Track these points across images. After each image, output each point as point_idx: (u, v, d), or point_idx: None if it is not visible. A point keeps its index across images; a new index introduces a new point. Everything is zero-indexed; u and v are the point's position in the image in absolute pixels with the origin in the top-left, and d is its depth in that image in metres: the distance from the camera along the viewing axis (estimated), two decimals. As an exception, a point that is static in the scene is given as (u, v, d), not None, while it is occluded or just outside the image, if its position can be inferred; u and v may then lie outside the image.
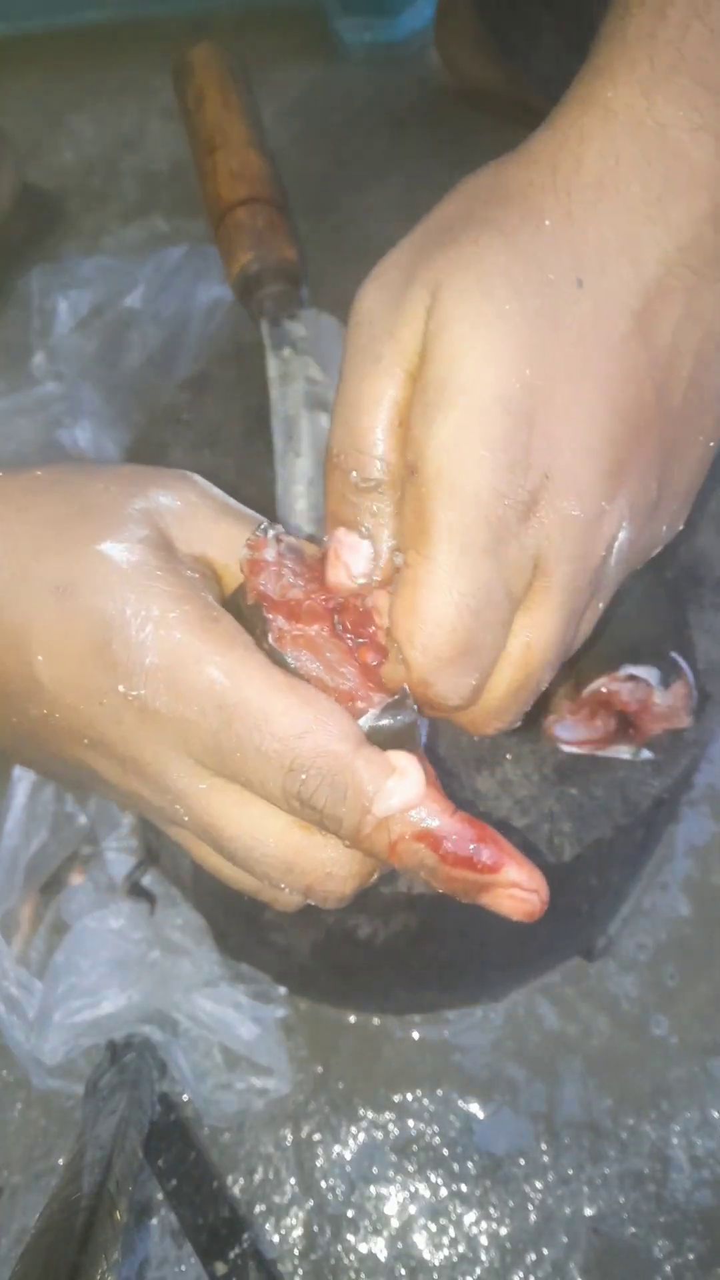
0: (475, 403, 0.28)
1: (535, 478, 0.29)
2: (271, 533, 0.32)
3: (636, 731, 0.49)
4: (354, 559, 0.31)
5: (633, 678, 0.47)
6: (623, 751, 0.50)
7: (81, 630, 0.29)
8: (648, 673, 0.46)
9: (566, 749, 0.51)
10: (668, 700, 0.48)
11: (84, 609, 0.29)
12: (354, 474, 0.31)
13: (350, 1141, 0.66)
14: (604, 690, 0.47)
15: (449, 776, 0.51)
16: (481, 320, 0.29)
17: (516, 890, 0.32)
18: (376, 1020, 0.69)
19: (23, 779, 0.68)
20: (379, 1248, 0.64)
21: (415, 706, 0.31)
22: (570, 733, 0.50)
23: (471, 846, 0.31)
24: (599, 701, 0.48)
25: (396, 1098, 0.67)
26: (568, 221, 0.30)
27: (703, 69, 0.30)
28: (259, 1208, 0.65)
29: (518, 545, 0.29)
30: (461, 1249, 0.64)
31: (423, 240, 0.33)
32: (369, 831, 0.30)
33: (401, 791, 0.30)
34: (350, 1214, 0.65)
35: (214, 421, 0.65)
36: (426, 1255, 0.64)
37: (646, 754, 0.50)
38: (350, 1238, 0.64)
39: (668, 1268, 0.62)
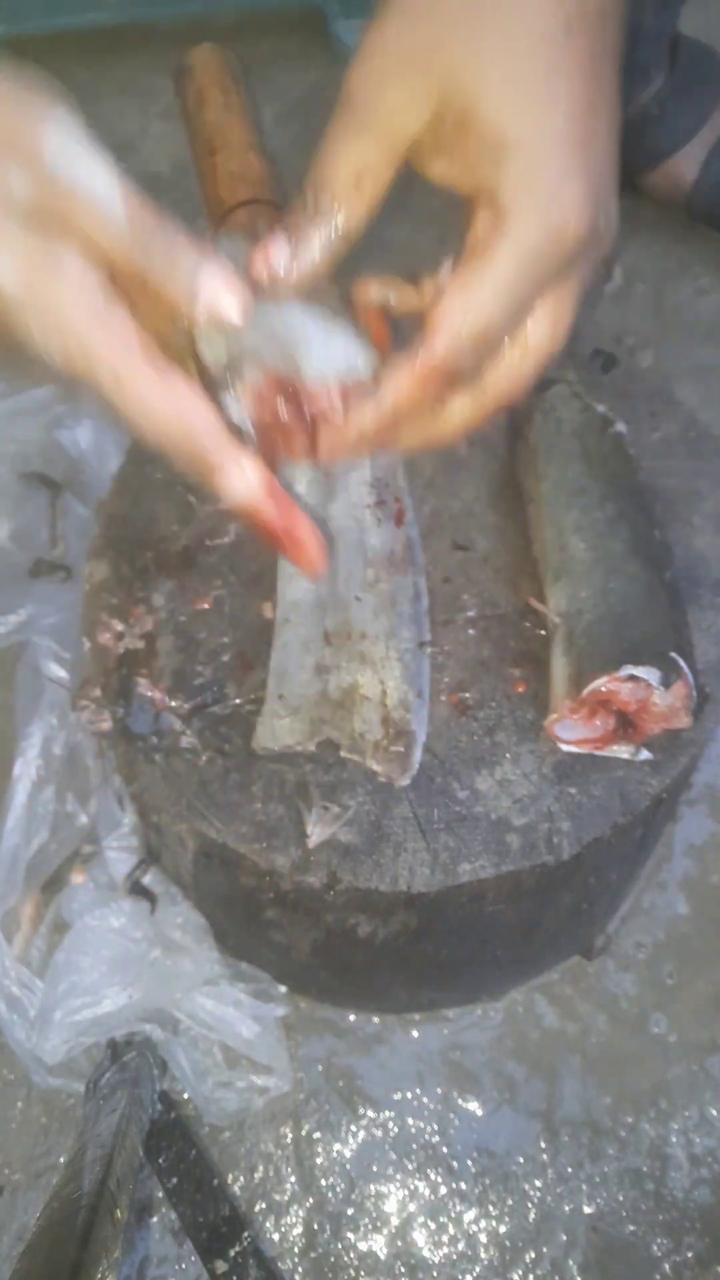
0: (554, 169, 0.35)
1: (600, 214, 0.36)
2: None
3: (636, 731, 0.50)
4: (275, 254, 0.37)
5: (633, 678, 0.47)
6: (622, 751, 0.51)
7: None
8: (648, 673, 0.47)
9: (566, 748, 0.51)
10: (667, 700, 0.48)
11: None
12: (310, 200, 0.37)
13: (350, 1139, 0.66)
14: (604, 690, 0.47)
15: (449, 776, 0.51)
16: (535, 95, 0.34)
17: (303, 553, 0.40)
18: (376, 1019, 0.69)
19: (23, 778, 0.68)
20: (379, 1245, 0.64)
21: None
22: (570, 732, 0.50)
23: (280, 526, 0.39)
24: (599, 701, 0.48)
25: (396, 1096, 0.67)
26: None
27: None
28: (259, 1206, 0.65)
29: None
30: (461, 1247, 0.64)
31: (412, 30, 0.36)
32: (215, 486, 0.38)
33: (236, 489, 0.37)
34: (350, 1212, 0.65)
35: (214, 422, 0.65)
36: (426, 1253, 0.64)
37: (645, 754, 0.51)
38: (350, 1235, 0.64)
39: (666, 1266, 0.63)
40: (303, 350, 0.39)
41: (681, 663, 0.48)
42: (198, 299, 0.35)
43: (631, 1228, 0.64)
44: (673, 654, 0.48)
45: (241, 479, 0.37)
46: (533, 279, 0.36)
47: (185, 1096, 0.67)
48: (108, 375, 0.34)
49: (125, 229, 0.33)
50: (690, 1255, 0.63)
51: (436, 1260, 0.64)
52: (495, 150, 0.35)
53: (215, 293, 0.35)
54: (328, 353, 0.39)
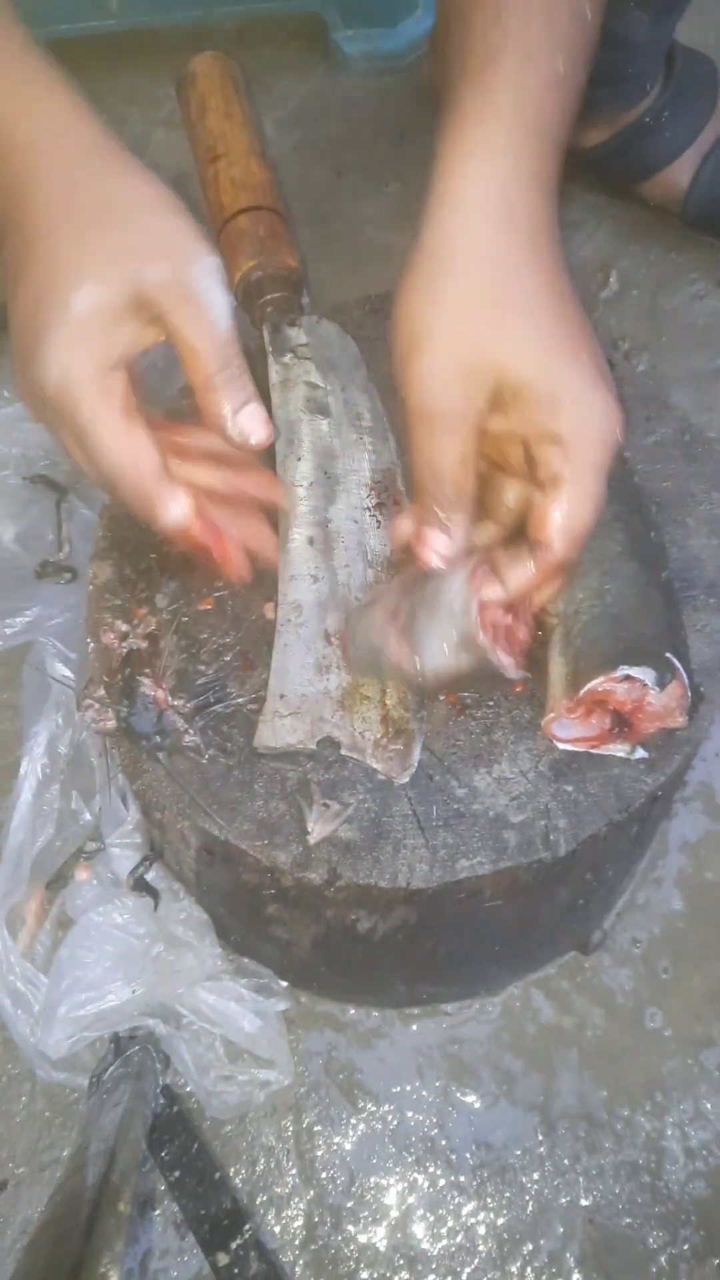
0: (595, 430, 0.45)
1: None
2: None
3: (631, 730, 0.50)
4: (439, 545, 0.48)
5: (629, 678, 0.48)
6: (618, 750, 0.52)
7: (34, 337, 0.43)
8: (644, 673, 0.47)
9: (564, 747, 0.52)
10: (663, 700, 0.49)
11: (42, 325, 0.43)
12: (437, 500, 0.47)
13: (350, 1133, 0.67)
14: (600, 690, 0.48)
15: (447, 774, 0.52)
16: (579, 388, 0.45)
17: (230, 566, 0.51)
18: (376, 1013, 0.70)
19: (29, 776, 0.69)
20: (378, 1238, 0.65)
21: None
22: (567, 731, 0.51)
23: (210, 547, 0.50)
24: (595, 700, 0.49)
25: (395, 1089, 0.68)
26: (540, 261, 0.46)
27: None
28: (260, 1198, 0.66)
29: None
30: (459, 1239, 0.65)
31: (453, 324, 0.45)
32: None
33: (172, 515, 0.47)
34: (350, 1204, 0.66)
35: (216, 426, 0.66)
36: (425, 1245, 0.65)
37: (641, 753, 0.51)
38: (350, 1228, 0.65)
39: (663, 1258, 0.63)
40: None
41: (677, 663, 0.48)
42: (233, 426, 0.47)
43: (628, 1220, 0.64)
44: (668, 654, 0.49)
45: (178, 508, 0.46)
46: (604, 480, 0.46)
47: (187, 1090, 0.67)
48: (86, 412, 0.44)
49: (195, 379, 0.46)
50: (686, 1248, 0.64)
51: (435, 1252, 0.64)
52: (550, 404, 0.44)
53: (247, 425, 0.47)
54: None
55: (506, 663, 0.49)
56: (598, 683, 0.48)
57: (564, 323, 0.45)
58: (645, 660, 0.48)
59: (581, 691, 0.48)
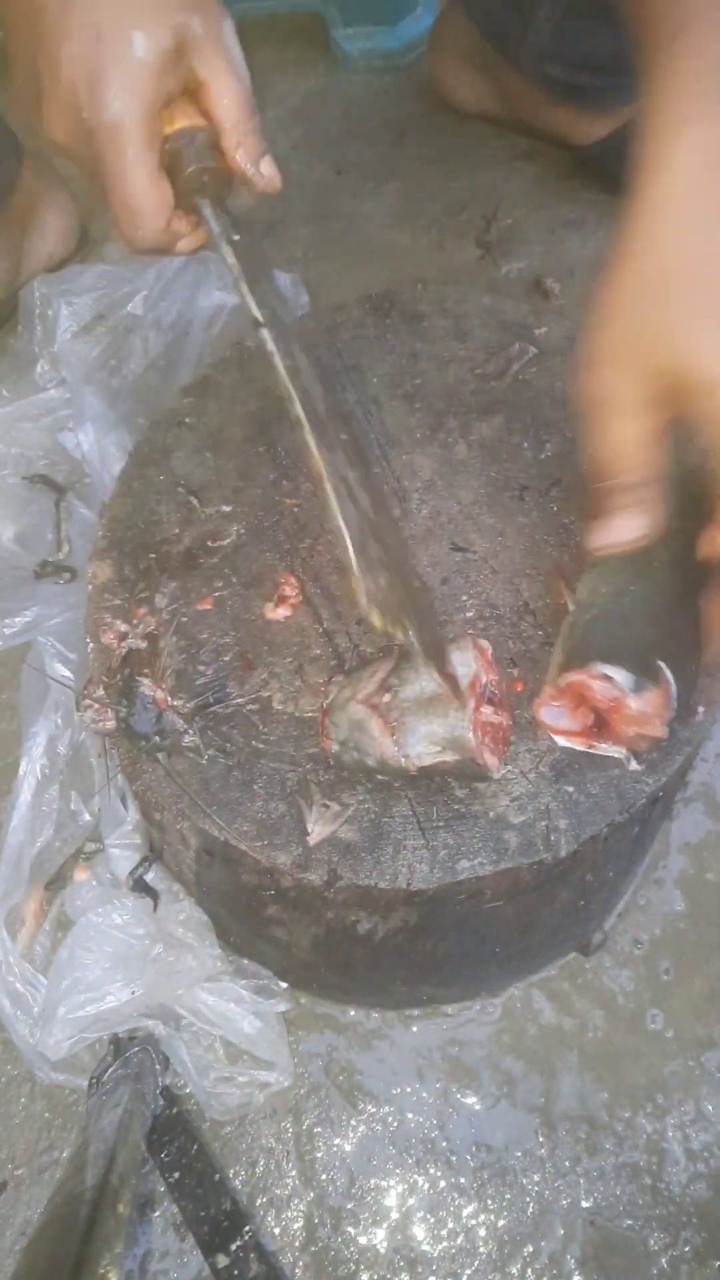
0: None
1: None
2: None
3: (609, 731, 0.50)
4: (629, 529, 0.48)
5: (606, 676, 0.47)
6: (613, 752, 0.51)
7: (90, 71, 0.47)
8: (618, 674, 0.47)
9: (559, 741, 0.51)
10: (639, 706, 0.48)
11: (101, 62, 0.47)
12: (619, 481, 0.47)
13: (350, 1134, 0.67)
14: (580, 683, 0.48)
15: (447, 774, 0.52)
16: None
17: None
18: (376, 1014, 0.70)
19: (28, 777, 0.69)
20: (379, 1239, 0.65)
21: None
22: (554, 719, 0.51)
23: None
24: (576, 693, 0.49)
25: (395, 1091, 0.68)
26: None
27: None
28: (260, 1200, 0.65)
29: None
30: (460, 1241, 0.65)
31: (622, 333, 0.45)
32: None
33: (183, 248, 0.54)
34: (350, 1206, 0.65)
35: (215, 425, 0.66)
36: (425, 1247, 0.64)
37: (635, 765, 0.51)
38: (350, 1230, 0.65)
39: (663, 1260, 0.63)
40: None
41: (668, 674, 0.48)
42: (257, 173, 0.52)
43: (629, 1222, 0.64)
44: (660, 663, 0.48)
45: (189, 243, 0.53)
46: None
47: (187, 1092, 0.67)
48: (132, 153, 0.48)
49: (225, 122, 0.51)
50: (687, 1250, 0.63)
51: (435, 1254, 0.64)
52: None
53: (269, 170, 0.52)
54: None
55: (492, 764, 0.49)
56: (575, 676, 0.48)
57: None
58: (626, 662, 0.47)
59: (561, 681, 0.48)
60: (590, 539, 0.49)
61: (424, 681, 0.48)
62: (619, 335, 0.45)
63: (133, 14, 0.47)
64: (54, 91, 0.48)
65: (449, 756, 0.48)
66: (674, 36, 0.45)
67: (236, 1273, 0.61)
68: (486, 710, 0.49)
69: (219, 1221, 0.63)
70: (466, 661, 0.48)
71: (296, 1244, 0.64)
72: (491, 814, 0.51)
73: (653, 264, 0.44)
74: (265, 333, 0.50)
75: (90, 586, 0.59)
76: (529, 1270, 0.63)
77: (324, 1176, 0.66)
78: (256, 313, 0.50)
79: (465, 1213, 0.65)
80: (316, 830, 0.50)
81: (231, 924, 0.64)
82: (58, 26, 0.47)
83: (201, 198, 0.51)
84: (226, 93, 0.50)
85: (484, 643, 0.51)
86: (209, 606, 0.58)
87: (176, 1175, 0.64)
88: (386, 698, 0.48)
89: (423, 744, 0.47)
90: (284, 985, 0.67)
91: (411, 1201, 0.65)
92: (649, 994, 0.70)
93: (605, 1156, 0.66)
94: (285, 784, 0.52)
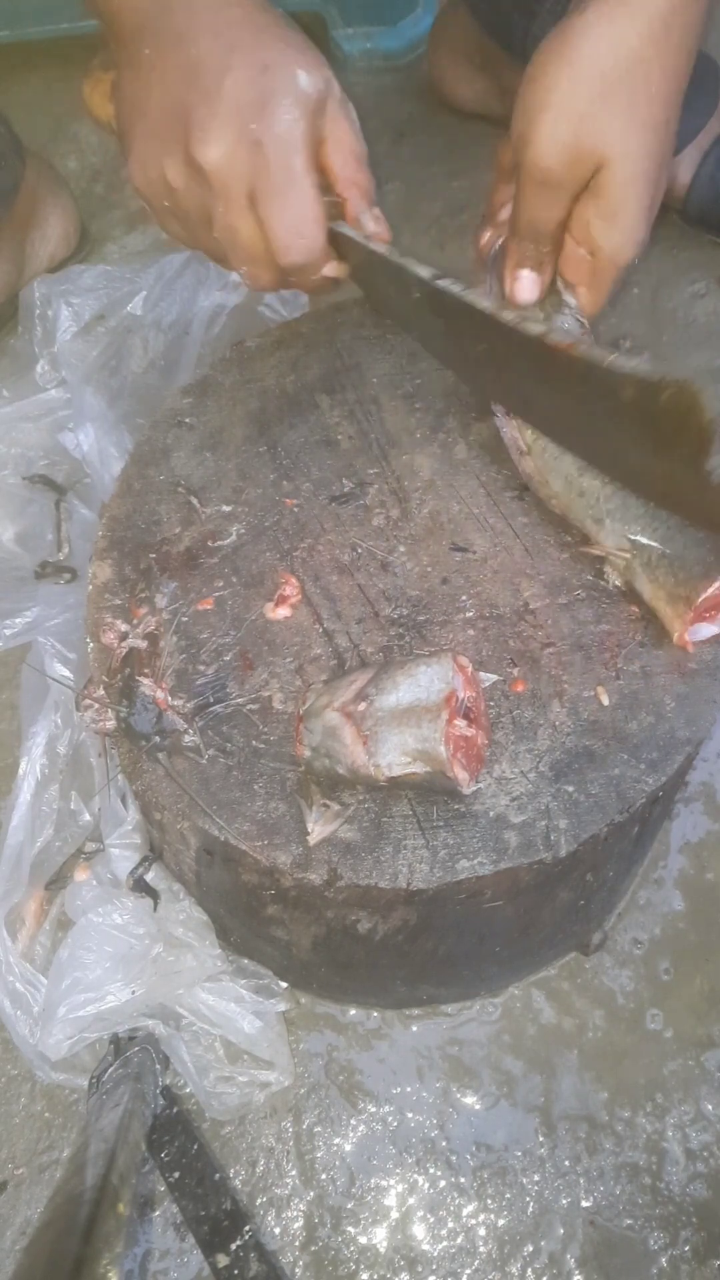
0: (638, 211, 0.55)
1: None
2: None
3: None
4: (527, 284, 0.58)
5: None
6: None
7: (260, 94, 0.52)
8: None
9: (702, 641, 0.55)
10: None
11: (271, 87, 0.52)
12: (533, 244, 0.57)
13: (350, 1134, 0.67)
14: (711, 595, 0.52)
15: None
16: (637, 178, 0.54)
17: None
18: (376, 1014, 0.70)
19: (28, 777, 0.69)
20: (379, 1239, 0.65)
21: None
22: (700, 634, 0.54)
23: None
24: (712, 605, 0.53)
25: (395, 1090, 0.68)
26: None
27: None
28: (260, 1199, 0.65)
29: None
30: (460, 1240, 0.65)
31: (578, 105, 0.52)
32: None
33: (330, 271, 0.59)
34: (350, 1205, 0.65)
35: (216, 425, 0.66)
36: (425, 1246, 0.64)
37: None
38: (350, 1229, 0.65)
39: (663, 1260, 0.63)
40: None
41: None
42: (370, 219, 0.58)
43: (629, 1221, 0.64)
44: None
45: (333, 269, 0.58)
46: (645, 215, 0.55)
47: (187, 1091, 0.67)
48: (299, 167, 0.53)
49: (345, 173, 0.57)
50: (687, 1249, 0.63)
51: (435, 1254, 0.64)
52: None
53: (380, 221, 0.58)
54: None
55: (462, 778, 0.49)
56: (710, 586, 0.51)
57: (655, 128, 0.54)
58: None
59: (700, 599, 0.52)
60: (508, 289, 0.58)
61: (401, 692, 0.48)
62: (561, 123, 0.52)
63: (296, 56, 0.53)
64: (211, 113, 0.52)
65: (419, 768, 0.47)
66: None
67: (236, 1272, 0.61)
68: (460, 724, 0.49)
69: (219, 1221, 0.63)
70: (445, 676, 0.48)
71: (296, 1243, 0.64)
72: (491, 814, 0.51)
73: (589, 69, 0.52)
74: (444, 282, 0.56)
75: (90, 586, 0.59)
76: (529, 1270, 0.63)
77: (324, 1176, 0.66)
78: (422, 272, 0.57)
79: (465, 1212, 0.65)
80: (316, 830, 0.50)
81: (231, 924, 0.64)
82: (220, 63, 0.52)
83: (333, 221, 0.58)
84: (347, 149, 0.56)
85: (464, 659, 0.51)
86: (209, 606, 0.58)
87: (176, 1175, 0.64)
88: (362, 706, 0.48)
89: (394, 754, 0.47)
90: (284, 985, 0.67)
91: (411, 1201, 0.66)
92: (649, 994, 0.70)
93: (605, 1156, 0.66)
94: (285, 784, 0.52)
